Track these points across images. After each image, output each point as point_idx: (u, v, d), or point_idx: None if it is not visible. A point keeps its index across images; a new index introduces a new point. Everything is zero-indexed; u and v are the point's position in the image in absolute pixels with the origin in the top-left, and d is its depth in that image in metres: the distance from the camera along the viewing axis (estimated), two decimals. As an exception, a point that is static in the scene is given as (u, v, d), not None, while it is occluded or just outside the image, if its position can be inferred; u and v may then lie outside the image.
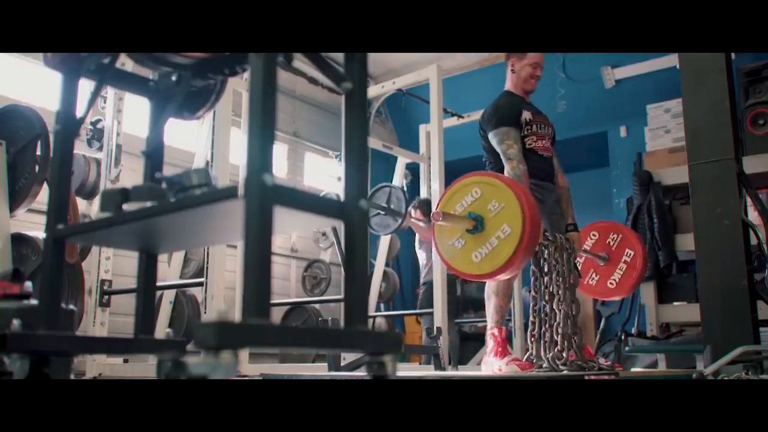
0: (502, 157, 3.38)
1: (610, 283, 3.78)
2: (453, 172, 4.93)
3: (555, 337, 3.08)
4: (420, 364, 5.90)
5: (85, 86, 1.64)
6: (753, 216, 3.54)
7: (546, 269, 3.12)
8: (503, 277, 2.83)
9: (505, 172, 3.31)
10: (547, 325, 3.09)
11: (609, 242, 3.88)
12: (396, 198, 5.78)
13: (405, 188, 6.59)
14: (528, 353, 3.13)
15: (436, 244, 2.97)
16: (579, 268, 3.34)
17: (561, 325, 3.06)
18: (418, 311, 6.23)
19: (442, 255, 2.95)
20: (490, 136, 3.47)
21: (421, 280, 6.22)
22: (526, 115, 3.50)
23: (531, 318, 3.13)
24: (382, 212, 5.64)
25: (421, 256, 6.24)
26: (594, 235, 3.83)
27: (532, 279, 3.14)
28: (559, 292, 3.09)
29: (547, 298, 3.09)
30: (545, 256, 3.12)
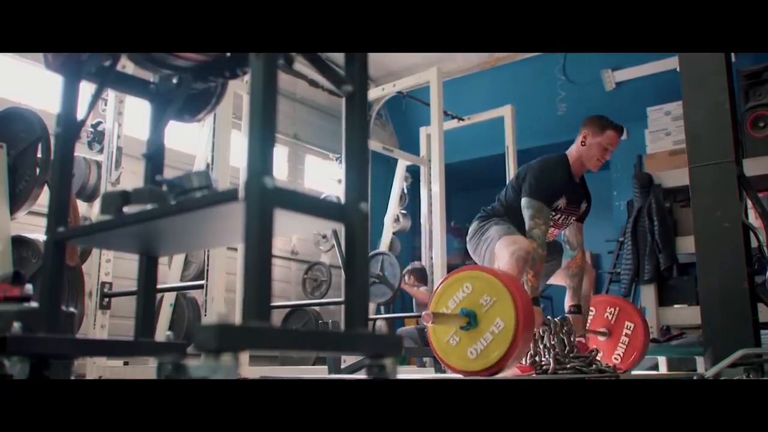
0: (527, 229, 3.27)
1: (615, 359, 3.74)
2: (453, 174, 4.96)
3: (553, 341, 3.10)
4: (417, 366, 5.90)
5: (86, 89, 1.65)
6: (753, 218, 3.54)
7: (543, 352, 3.16)
8: (504, 370, 2.80)
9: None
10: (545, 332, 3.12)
11: (607, 316, 3.83)
12: (389, 264, 5.85)
13: (406, 191, 6.62)
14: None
15: (432, 344, 2.92)
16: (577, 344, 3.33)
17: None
18: (394, 315, 6.28)
19: (440, 356, 2.89)
20: (524, 201, 3.32)
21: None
22: (561, 202, 3.39)
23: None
24: (377, 281, 5.72)
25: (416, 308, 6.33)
26: (591, 311, 3.80)
27: (528, 360, 3.17)
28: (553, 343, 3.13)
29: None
30: (544, 341, 3.16)
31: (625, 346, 3.73)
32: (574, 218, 3.55)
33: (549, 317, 3.28)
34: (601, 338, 3.80)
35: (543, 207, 3.28)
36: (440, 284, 2.97)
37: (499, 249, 3.20)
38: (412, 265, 6.49)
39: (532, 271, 3.16)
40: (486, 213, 3.55)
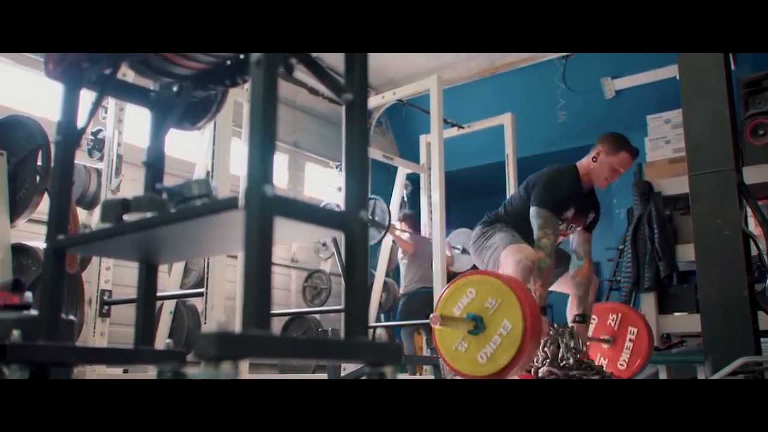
0: (535, 238, 3.25)
1: (621, 365, 3.71)
2: (453, 182, 4.96)
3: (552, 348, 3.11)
4: (409, 374, 5.88)
5: (87, 97, 1.65)
6: (753, 226, 3.54)
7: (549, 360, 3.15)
8: (514, 373, 2.79)
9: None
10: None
11: (610, 323, 3.82)
12: (380, 210, 5.86)
13: (405, 198, 6.62)
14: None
15: (440, 352, 2.90)
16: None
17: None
18: (394, 323, 6.26)
19: (449, 363, 2.86)
20: (533, 211, 3.30)
21: (401, 291, 6.27)
22: (570, 214, 3.38)
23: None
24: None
25: (402, 266, 6.28)
26: (593, 319, 3.79)
27: (532, 371, 3.16)
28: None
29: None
30: (548, 348, 3.16)
31: (629, 352, 3.72)
32: (578, 227, 3.54)
33: (554, 324, 3.28)
34: (605, 346, 3.79)
35: (552, 217, 3.26)
36: (444, 292, 2.96)
37: (505, 258, 3.20)
38: (404, 211, 6.46)
39: (540, 281, 3.15)
40: (490, 218, 3.54)
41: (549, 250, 3.20)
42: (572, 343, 3.19)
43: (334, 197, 7.03)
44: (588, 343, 3.48)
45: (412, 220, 6.39)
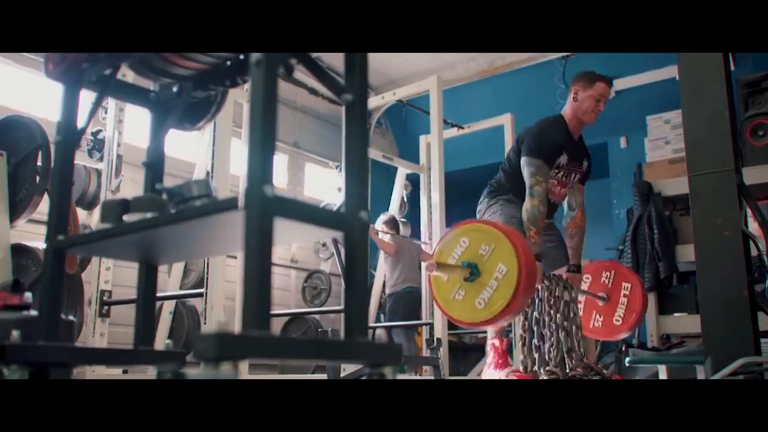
0: (527, 188, 3.27)
1: (616, 320, 3.74)
2: (453, 183, 4.97)
3: (551, 351, 3.10)
4: (409, 375, 5.89)
5: (87, 97, 1.65)
6: (753, 227, 3.53)
7: (539, 310, 3.14)
8: (511, 316, 2.79)
9: (524, 206, 3.24)
10: (542, 341, 3.12)
11: (603, 281, 3.85)
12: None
13: (405, 199, 6.63)
14: (523, 364, 3.13)
15: (438, 302, 2.91)
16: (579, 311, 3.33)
17: (555, 339, 3.09)
18: (392, 323, 6.28)
19: (446, 311, 2.88)
20: (524, 161, 3.34)
21: (387, 291, 6.29)
22: (563, 159, 3.40)
23: (520, 332, 3.14)
24: None
25: (387, 268, 6.31)
26: (587, 278, 3.80)
27: (521, 318, 3.16)
28: (552, 339, 3.11)
29: (541, 340, 3.11)
30: (540, 297, 3.14)
31: (624, 308, 3.75)
32: (577, 176, 3.57)
33: (550, 273, 3.27)
34: (600, 303, 3.82)
35: (543, 165, 3.29)
36: (438, 243, 2.97)
37: None
38: (384, 215, 6.49)
39: (533, 228, 3.17)
40: (492, 187, 3.58)
41: (542, 197, 3.24)
42: (566, 295, 3.19)
43: (333, 198, 7.04)
44: (580, 296, 3.49)
45: (393, 222, 6.43)
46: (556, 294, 3.17)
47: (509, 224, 3.23)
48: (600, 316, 3.76)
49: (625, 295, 3.77)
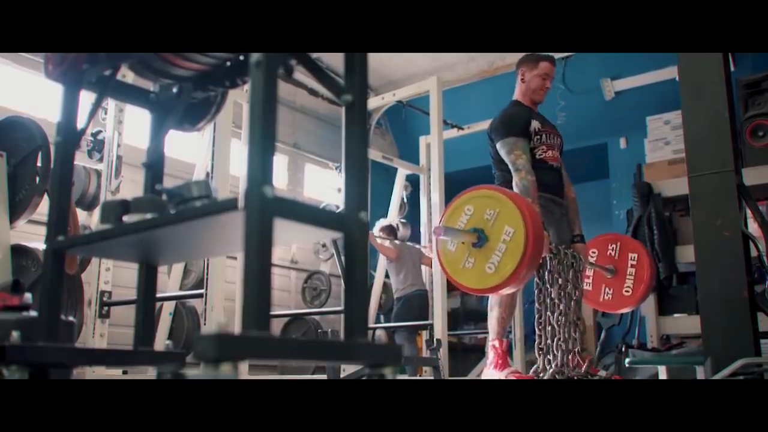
0: (510, 167, 3.32)
1: (626, 291, 3.73)
2: (453, 183, 4.96)
3: (556, 352, 3.08)
4: (409, 376, 5.90)
5: (86, 98, 1.65)
6: (753, 228, 3.53)
7: (550, 281, 3.10)
8: (520, 281, 2.76)
9: (513, 183, 3.26)
10: (550, 340, 3.09)
11: (610, 253, 3.84)
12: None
13: (405, 199, 6.64)
14: (535, 366, 3.11)
15: (448, 273, 2.88)
16: (584, 282, 3.32)
17: (561, 340, 3.06)
18: (393, 324, 6.29)
19: (457, 281, 2.84)
20: (499, 146, 3.41)
21: (396, 295, 6.30)
22: (536, 124, 3.48)
23: (537, 331, 3.11)
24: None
25: (392, 272, 6.33)
26: (593, 252, 3.79)
27: (536, 291, 3.11)
28: (561, 306, 3.07)
29: (551, 310, 3.07)
30: (549, 268, 3.10)
31: (633, 278, 3.73)
32: (559, 140, 3.64)
33: (556, 245, 3.25)
34: (608, 275, 3.79)
35: (517, 139, 3.39)
36: (443, 213, 2.95)
37: None
38: (380, 222, 6.52)
39: (528, 198, 3.18)
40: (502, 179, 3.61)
41: (526, 167, 3.28)
42: (574, 264, 3.17)
43: (333, 198, 7.03)
44: (587, 268, 3.48)
45: (390, 229, 6.45)
46: (566, 263, 3.14)
47: None
48: (609, 289, 3.75)
49: (632, 266, 3.74)
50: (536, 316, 3.10)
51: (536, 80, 3.62)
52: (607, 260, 3.82)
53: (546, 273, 3.11)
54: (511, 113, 3.54)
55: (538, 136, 3.47)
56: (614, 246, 3.84)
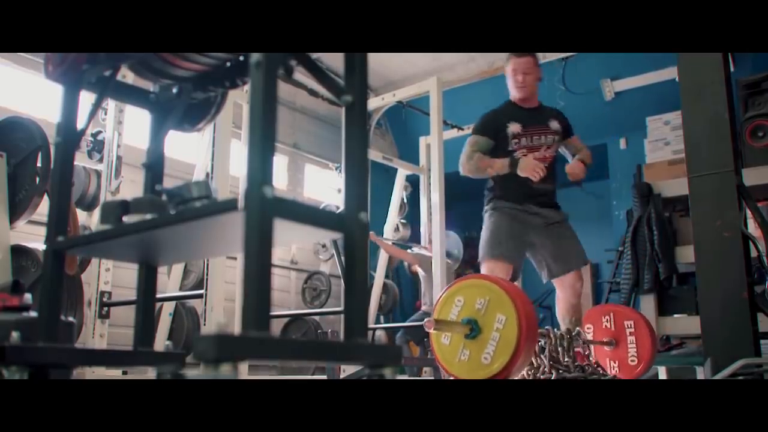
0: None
1: (632, 360, 3.68)
2: (453, 183, 4.96)
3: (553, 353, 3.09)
4: (408, 377, 5.89)
5: (86, 98, 1.65)
6: (753, 228, 3.53)
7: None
8: (520, 364, 2.77)
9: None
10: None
11: (606, 326, 3.79)
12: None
13: (405, 200, 6.64)
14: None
15: (444, 367, 2.87)
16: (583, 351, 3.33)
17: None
18: (393, 324, 6.27)
19: (453, 374, 2.84)
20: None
21: (424, 309, 6.24)
22: (514, 128, 3.56)
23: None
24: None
25: (424, 286, 6.32)
26: (589, 328, 3.76)
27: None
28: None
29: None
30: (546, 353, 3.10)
31: (635, 346, 3.69)
32: (549, 136, 3.69)
33: (549, 328, 3.26)
34: (607, 348, 3.77)
35: (476, 138, 3.64)
36: (434, 307, 2.94)
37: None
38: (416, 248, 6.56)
39: (468, 165, 3.61)
40: (485, 193, 3.83)
41: (467, 155, 3.62)
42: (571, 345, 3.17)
43: (333, 199, 7.04)
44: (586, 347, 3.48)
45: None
46: (564, 345, 3.14)
47: (485, 256, 3.57)
48: (614, 362, 3.69)
49: (631, 333, 3.70)
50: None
51: (510, 77, 3.71)
52: (606, 333, 3.79)
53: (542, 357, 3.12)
54: (485, 115, 3.73)
55: (516, 140, 3.57)
56: (608, 317, 3.79)
